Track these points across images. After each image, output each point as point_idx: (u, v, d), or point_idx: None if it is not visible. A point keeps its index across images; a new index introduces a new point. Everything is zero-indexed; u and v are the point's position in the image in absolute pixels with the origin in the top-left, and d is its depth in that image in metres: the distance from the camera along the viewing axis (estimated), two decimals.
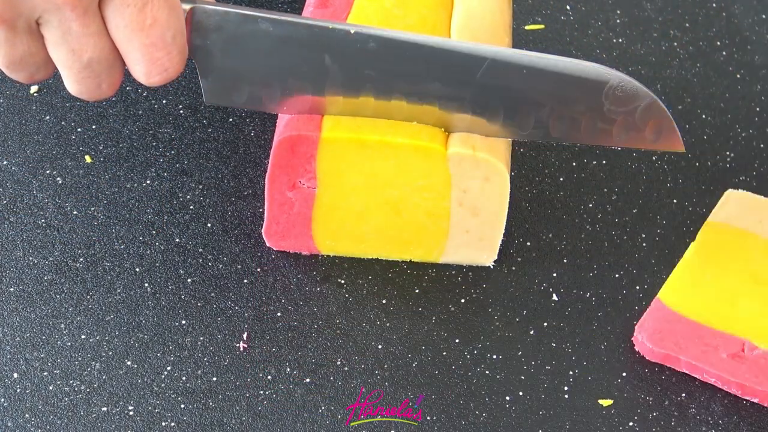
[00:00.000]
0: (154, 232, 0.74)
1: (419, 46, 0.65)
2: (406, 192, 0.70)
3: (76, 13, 0.59)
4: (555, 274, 0.74)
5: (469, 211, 0.70)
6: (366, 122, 0.68)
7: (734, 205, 0.75)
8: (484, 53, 0.65)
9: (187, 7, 0.63)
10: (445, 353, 0.70)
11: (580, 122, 0.67)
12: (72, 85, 0.63)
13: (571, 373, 0.69)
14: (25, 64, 0.62)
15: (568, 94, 0.66)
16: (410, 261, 0.74)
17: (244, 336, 0.69)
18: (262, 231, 0.73)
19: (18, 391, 0.67)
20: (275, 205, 0.71)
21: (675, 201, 0.78)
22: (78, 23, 0.60)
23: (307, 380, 0.68)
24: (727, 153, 0.81)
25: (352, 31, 0.65)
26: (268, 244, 0.73)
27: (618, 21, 0.88)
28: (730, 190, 0.77)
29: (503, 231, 0.72)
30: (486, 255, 0.73)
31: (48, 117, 0.79)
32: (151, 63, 0.62)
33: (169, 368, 0.68)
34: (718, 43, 0.89)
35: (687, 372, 0.69)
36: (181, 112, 0.80)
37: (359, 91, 0.67)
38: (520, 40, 0.87)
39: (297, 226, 0.72)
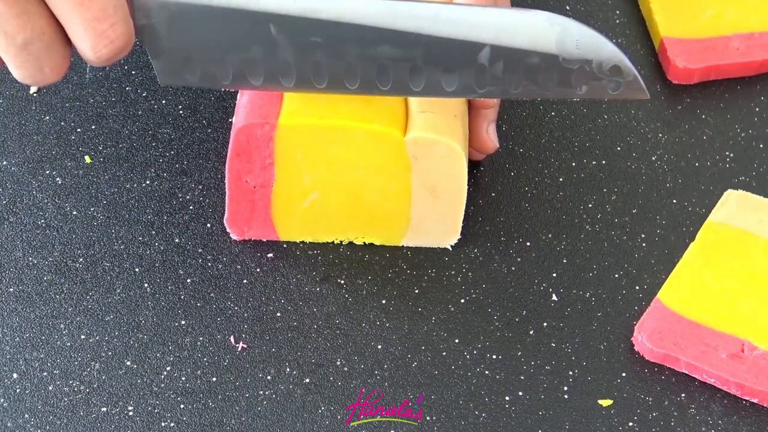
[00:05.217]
0: (153, 232, 0.74)
1: (366, 10, 0.64)
2: (366, 175, 0.70)
3: None
4: (555, 274, 0.74)
5: (429, 193, 0.71)
6: (325, 107, 0.68)
7: (734, 205, 0.75)
8: (432, 8, 0.64)
9: None
10: (444, 353, 0.70)
11: (536, 76, 0.65)
12: (13, 70, 0.62)
13: (570, 373, 0.69)
14: None
15: (522, 47, 0.64)
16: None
17: (231, 339, 0.69)
18: (224, 220, 0.73)
19: (17, 391, 0.67)
20: (236, 194, 0.71)
21: (675, 201, 0.78)
22: (4, 4, 0.58)
23: (307, 380, 0.68)
24: (727, 153, 0.81)
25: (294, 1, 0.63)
26: (231, 234, 0.73)
27: (618, 21, 0.88)
28: (730, 190, 0.77)
29: (464, 211, 0.72)
30: (448, 237, 0.74)
31: (48, 117, 0.79)
32: (96, 36, 0.60)
33: (168, 368, 0.68)
34: None
35: (687, 372, 0.69)
36: (181, 112, 0.80)
37: (311, 57, 0.65)
38: None
39: (257, 212, 0.72)
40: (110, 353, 0.69)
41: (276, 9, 0.64)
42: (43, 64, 0.61)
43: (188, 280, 0.72)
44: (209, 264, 0.73)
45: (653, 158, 0.80)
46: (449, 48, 0.65)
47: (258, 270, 0.73)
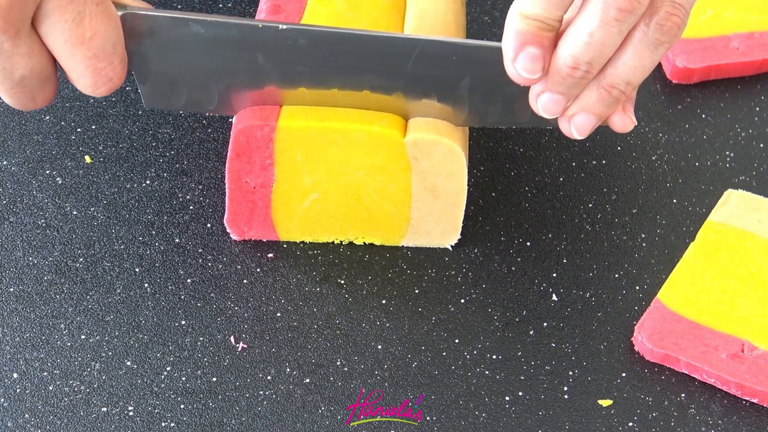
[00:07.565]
0: (153, 232, 0.74)
1: (348, 38, 0.65)
2: (366, 176, 0.70)
3: (7, 35, 0.59)
4: (555, 274, 0.74)
5: (429, 194, 0.71)
6: (325, 109, 0.68)
7: (734, 205, 0.75)
8: (413, 43, 0.65)
9: (119, 13, 0.63)
10: (444, 353, 0.70)
11: (513, 105, 0.67)
12: (6, 98, 0.63)
13: (570, 373, 0.69)
14: None
15: (499, 79, 0.65)
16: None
17: (231, 339, 0.69)
18: (224, 220, 0.73)
19: (18, 391, 0.67)
20: (236, 194, 0.71)
21: (675, 201, 0.78)
22: (9, 44, 0.59)
23: (307, 380, 0.68)
24: (727, 153, 0.81)
25: (281, 27, 0.65)
26: (231, 235, 0.73)
27: None
28: (730, 190, 0.77)
29: (464, 211, 0.72)
30: (448, 237, 0.74)
31: (48, 117, 0.79)
32: (95, 74, 0.62)
33: (168, 368, 0.68)
34: None
35: (686, 372, 0.69)
36: (181, 112, 0.80)
37: (296, 87, 0.67)
38: None
39: (257, 212, 0.72)
40: (110, 353, 0.69)
41: (263, 38, 0.65)
42: (35, 95, 0.63)
43: (188, 280, 0.72)
44: (209, 264, 0.73)
45: (653, 158, 0.80)
46: (430, 78, 0.66)
47: (258, 270, 0.73)
